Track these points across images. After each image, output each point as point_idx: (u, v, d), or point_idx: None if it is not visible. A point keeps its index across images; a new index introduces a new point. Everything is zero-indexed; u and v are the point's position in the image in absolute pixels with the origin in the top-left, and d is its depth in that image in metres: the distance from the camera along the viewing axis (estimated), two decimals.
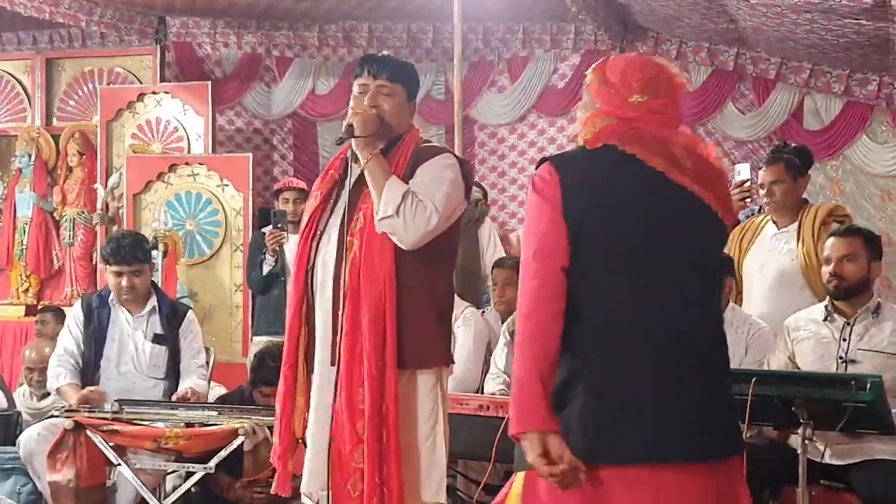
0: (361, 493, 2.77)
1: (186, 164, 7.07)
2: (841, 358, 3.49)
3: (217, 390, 4.95)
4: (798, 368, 3.57)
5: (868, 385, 2.95)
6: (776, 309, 4.07)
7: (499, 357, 4.45)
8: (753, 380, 3.01)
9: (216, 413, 4.01)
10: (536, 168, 2.19)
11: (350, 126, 2.88)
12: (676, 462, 2.06)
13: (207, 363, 4.63)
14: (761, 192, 4.31)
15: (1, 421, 4.75)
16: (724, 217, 2.19)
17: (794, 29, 5.63)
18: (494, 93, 7.65)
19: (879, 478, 3.30)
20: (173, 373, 4.41)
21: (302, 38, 7.80)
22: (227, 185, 6.97)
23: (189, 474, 4.01)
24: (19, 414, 4.90)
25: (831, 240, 3.64)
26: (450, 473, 3.49)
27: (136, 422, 3.96)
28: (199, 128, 7.41)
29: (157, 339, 4.41)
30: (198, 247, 6.94)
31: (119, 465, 3.92)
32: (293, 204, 5.60)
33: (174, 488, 4.11)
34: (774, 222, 4.32)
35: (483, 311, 4.99)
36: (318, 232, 2.98)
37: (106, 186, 7.23)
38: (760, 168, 4.37)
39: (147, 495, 3.93)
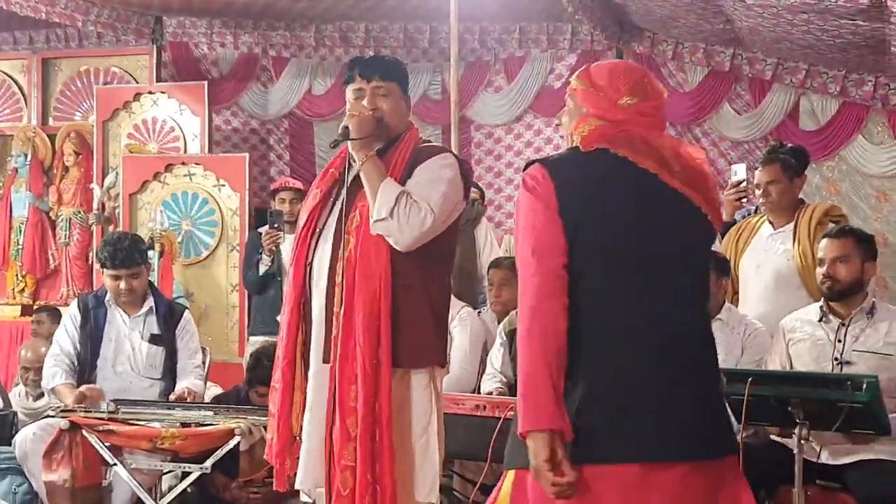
0: (352, 490, 2.76)
1: (183, 163, 7.06)
2: (836, 359, 3.49)
3: (213, 390, 4.94)
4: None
5: (864, 385, 2.95)
6: (772, 309, 4.07)
7: (495, 357, 4.44)
8: (749, 380, 3.01)
9: (212, 413, 4.01)
10: (525, 170, 2.18)
11: (346, 128, 2.89)
12: (669, 462, 2.07)
13: (204, 363, 4.63)
14: (757, 192, 4.31)
15: None
16: (712, 219, 2.20)
17: (791, 29, 5.63)
18: (491, 93, 7.64)
19: (875, 478, 3.30)
20: (170, 373, 4.41)
21: (298, 39, 7.79)
22: (223, 185, 6.96)
23: (185, 474, 3.99)
24: (15, 414, 4.87)
25: (824, 241, 3.64)
26: (446, 473, 3.49)
27: (132, 422, 3.95)
28: (196, 128, 7.40)
29: (153, 339, 4.41)
30: (194, 247, 6.93)
31: (115, 465, 3.91)
32: (290, 204, 5.59)
33: (170, 488, 4.10)
34: (770, 223, 4.32)
35: (479, 312, 5.00)
36: (317, 229, 2.98)
37: (102, 186, 7.22)
38: (757, 168, 4.38)
39: (143, 495, 3.92)
